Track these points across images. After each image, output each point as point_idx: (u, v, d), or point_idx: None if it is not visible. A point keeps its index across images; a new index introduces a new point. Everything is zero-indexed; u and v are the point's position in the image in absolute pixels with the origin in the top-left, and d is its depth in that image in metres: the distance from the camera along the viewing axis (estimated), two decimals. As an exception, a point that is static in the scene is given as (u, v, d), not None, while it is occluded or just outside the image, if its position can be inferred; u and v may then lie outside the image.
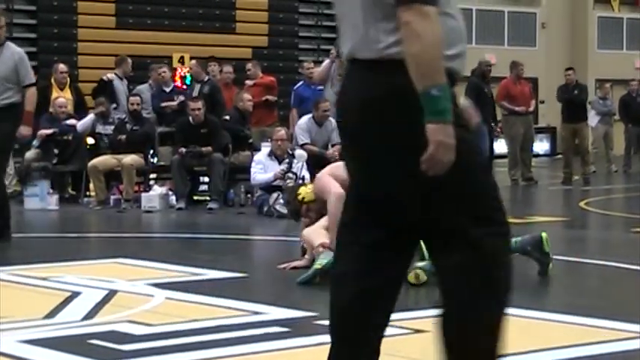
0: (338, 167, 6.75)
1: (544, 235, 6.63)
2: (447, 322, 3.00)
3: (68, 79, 14.04)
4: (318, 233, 6.54)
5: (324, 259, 6.15)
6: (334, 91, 13.28)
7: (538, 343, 4.53)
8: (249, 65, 14.98)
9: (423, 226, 2.97)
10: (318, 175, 7.05)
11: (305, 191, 7.03)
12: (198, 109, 12.33)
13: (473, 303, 2.94)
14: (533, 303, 5.54)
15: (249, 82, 14.51)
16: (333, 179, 6.69)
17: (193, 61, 14.36)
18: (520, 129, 16.27)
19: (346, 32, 3.00)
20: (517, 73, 16.70)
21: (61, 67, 14.00)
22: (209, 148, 12.15)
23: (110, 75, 14.22)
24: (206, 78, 13.85)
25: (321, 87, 13.63)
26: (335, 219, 6.29)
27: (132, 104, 12.81)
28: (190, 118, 12.40)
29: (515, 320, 5.16)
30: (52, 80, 13.91)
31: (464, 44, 2.99)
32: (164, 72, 14.50)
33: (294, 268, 6.76)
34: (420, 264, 6.13)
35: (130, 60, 14.51)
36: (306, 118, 12.82)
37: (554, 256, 7.79)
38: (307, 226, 6.85)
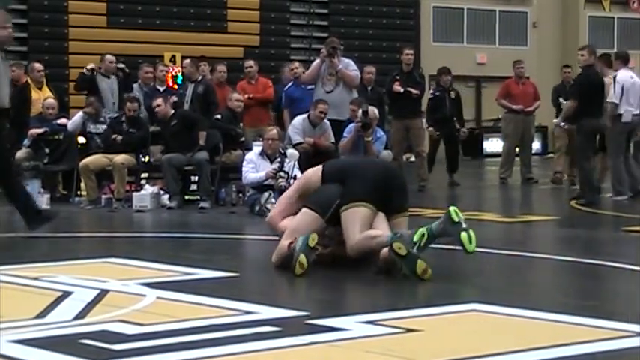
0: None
1: (452, 208, 6.50)
2: None
3: (44, 78, 14.01)
4: (281, 246, 6.90)
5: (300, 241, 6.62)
6: (325, 90, 13.27)
7: (527, 342, 4.55)
8: (250, 62, 14.91)
9: None
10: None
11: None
12: (158, 105, 12.55)
13: None
14: (523, 302, 5.56)
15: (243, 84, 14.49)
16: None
17: (187, 61, 14.34)
18: (518, 128, 16.17)
19: None
20: (515, 72, 16.61)
21: (37, 66, 14.01)
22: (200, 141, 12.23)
23: (91, 65, 14.00)
24: (199, 77, 13.85)
25: (311, 86, 13.61)
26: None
27: (129, 110, 12.73)
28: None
29: (505, 319, 5.20)
30: (29, 80, 13.87)
31: None
32: (161, 70, 14.57)
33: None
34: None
35: (108, 57, 14.26)
36: (300, 118, 12.80)
37: (549, 255, 7.83)
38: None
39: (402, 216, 6.98)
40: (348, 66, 13.44)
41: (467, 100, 27.91)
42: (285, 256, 6.75)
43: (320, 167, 7.25)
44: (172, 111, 12.56)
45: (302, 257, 6.52)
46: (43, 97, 13.55)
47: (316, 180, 7.11)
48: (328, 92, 13.18)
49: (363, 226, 6.67)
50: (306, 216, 6.90)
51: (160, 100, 12.66)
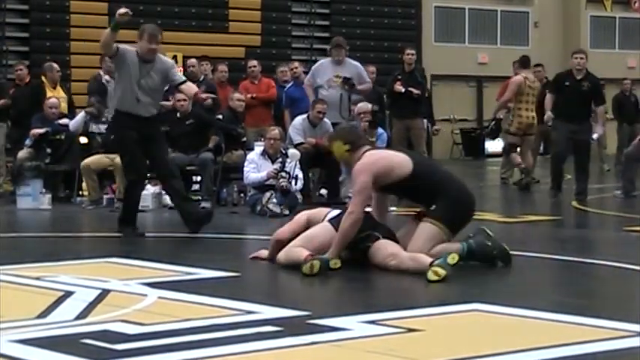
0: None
1: (482, 227, 7.00)
2: None
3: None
4: (295, 251, 6.82)
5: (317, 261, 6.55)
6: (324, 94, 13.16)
7: (528, 342, 4.55)
8: (254, 62, 14.89)
9: None
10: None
11: None
12: (184, 99, 12.40)
13: None
14: (524, 302, 5.57)
15: (246, 84, 14.47)
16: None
17: (193, 60, 14.35)
18: None
19: None
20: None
21: (56, 66, 14.15)
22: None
23: (107, 77, 14.08)
24: (201, 77, 13.85)
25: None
26: (346, 238, 6.72)
27: None
28: (177, 113, 12.55)
29: (506, 319, 5.21)
30: (45, 79, 13.93)
31: None
32: None
33: (256, 257, 7.27)
34: (437, 261, 6.33)
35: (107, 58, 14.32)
36: (300, 118, 12.77)
37: (549, 255, 7.84)
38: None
39: None
40: (361, 74, 13.23)
41: (468, 100, 28.07)
42: (295, 262, 6.74)
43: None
44: (190, 109, 12.58)
45: (316, 262, 6.51)
46: (58, 96, 13.66)
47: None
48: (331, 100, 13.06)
49: (433, 246, 6.80)
50: (325, 230, 6.90)
51: (184, 95, 12.64)
